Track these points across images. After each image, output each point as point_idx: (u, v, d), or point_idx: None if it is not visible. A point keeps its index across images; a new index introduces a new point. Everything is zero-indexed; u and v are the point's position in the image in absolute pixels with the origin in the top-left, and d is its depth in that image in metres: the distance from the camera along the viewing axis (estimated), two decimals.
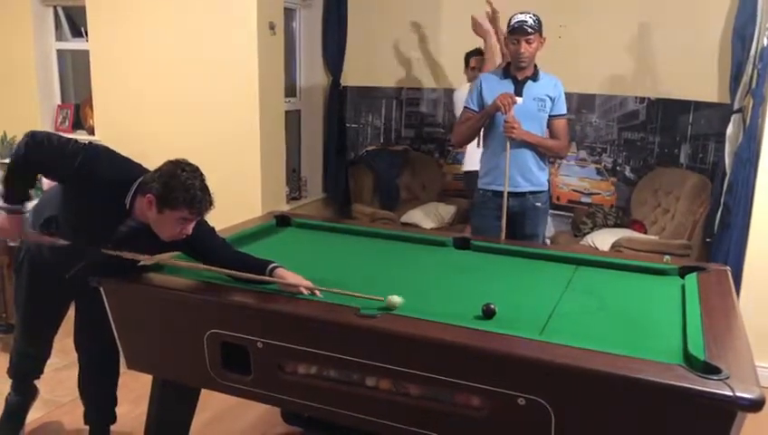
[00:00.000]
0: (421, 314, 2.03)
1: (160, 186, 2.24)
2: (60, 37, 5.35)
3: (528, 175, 3.43)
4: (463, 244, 2.98)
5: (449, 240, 3.01)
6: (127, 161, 2.50)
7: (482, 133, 3.55)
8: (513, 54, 3.33)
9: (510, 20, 3.31)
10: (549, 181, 3.61)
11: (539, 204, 3.49)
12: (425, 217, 5.15)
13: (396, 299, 2.10)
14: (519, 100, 3.32)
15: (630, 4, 5.01)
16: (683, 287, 2.44)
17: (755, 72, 4.02)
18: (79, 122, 5.33)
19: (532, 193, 3.46)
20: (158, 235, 2.32)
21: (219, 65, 4.49)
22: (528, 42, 3.25)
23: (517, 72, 3.39)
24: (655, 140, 5.22)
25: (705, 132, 4.85)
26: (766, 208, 3.48)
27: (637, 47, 5.04)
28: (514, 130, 3.29)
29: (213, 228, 2.57)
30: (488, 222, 3.47)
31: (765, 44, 3.50)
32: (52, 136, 2.37)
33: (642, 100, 5.17)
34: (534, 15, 3.28)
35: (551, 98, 3.42)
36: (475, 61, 4.62)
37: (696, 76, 4.75)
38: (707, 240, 4.33)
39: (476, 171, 4.25)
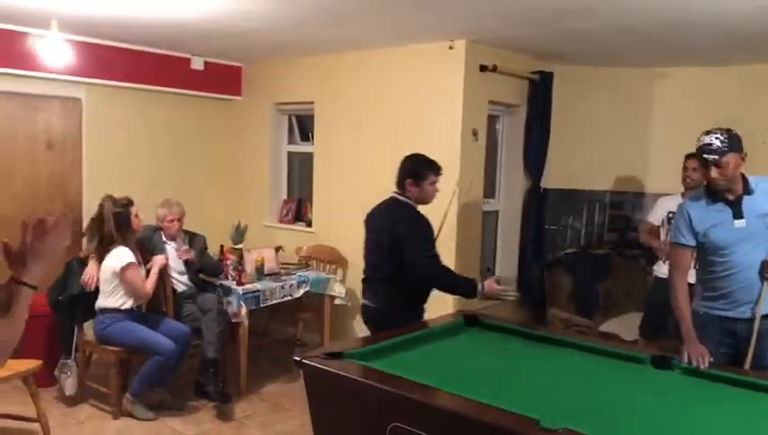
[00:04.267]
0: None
1: None
2: (291, 141, 6.11)
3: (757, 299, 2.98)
4: (662, 362, 2.77)
5: (647, 357, 2.82)
6: None
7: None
8: (707, 180, 2.94)
9: (697, 140, 2.93)
10: None
11: None
12: (625, 327, 4.84)
13: None
14: (740, 223, 2.93)
15: None
16: None
17: None
18: (299, 215, 5.95)
19: (766, 316, 2.99)
20: None
21: None
22: (717, 165, 2.83)
23: (727, 192, 2.95)
24: None
25: None
26: None
27: None
28: None
29: None
30: (710, 347, 2.96)
31: None
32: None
33: None
34: (724, 133, 2.84)
35: None
36: (690, 162, 4.31)
37: None
38: None
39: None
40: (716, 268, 3.03)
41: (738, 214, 2.95)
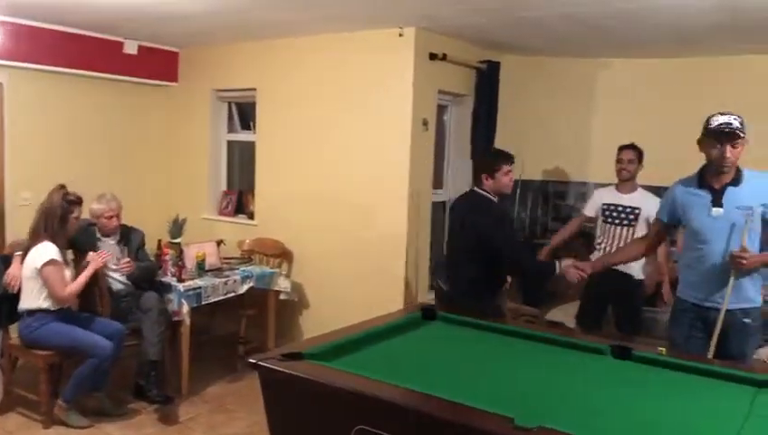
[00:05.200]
0: (577, 430, 1.88)
1: None
2: (231, 129, 5.87)
3: (739, 292, 3.00)
4: (622, 353, 2.77)
5: (606, 348, 2.81)
6: None
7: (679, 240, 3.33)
8: (716, 159, 2.93)
9: (708, 120, 2.95)
10: (762, 297, 3.14)
11: (748, 320, 3.03)
12: (570, 316, 4.88)
13: None
14: (718, 211, 2.96)
15: None
16: None
17: None
18: (241, 207, 5.74)
19: (742, 310, 3.03)
20: None
21: (372, 157, 4.69)
22: (734, 146, 2.88)
23: (714, 179, 3.00)
24: None
25: None
26: None
27: None
28: (744, 263, 2.90)
29: None
30: (685, 332, 3.12)
31: None
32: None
33: None
34: (739, 117, 2.91)
35: (762, 205, 2.96)
36: (626, 154, 4.39)
37: None
38: None
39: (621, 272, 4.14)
40: (693, 255, 3.09)
41: (717, 202, 2.97)
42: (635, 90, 5.35)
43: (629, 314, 4.45)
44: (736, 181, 2.98)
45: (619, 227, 4.36)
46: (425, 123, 4.62)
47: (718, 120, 2.91)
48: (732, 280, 2.95)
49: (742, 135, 2.88)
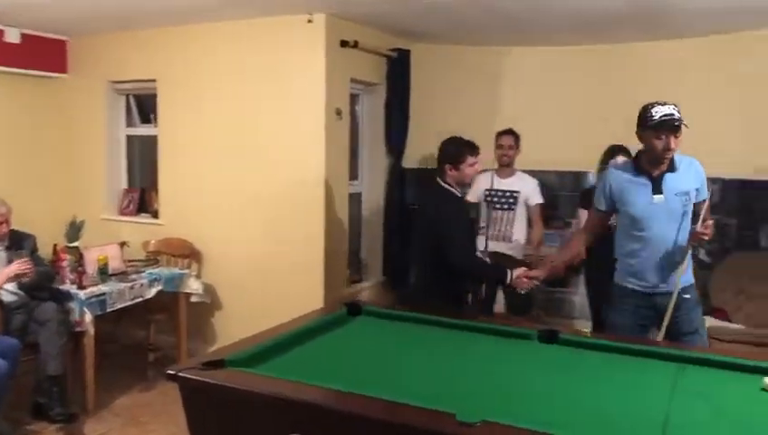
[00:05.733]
0: (519, 422, 1.85)
1: None
2: (129, 123, 5.50)
3: (677, 270, 3.06)
4: (549, 337, 2.78)
5: (533, 333, 2.82)
6: None
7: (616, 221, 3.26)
8: (660, 151, 2.94)
9: (648, 112, 2.95)
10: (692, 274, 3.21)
11: (687, 296, 3.09)
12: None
13: None
14: (659, 198, 3.01)
15: (698, 86, 4.90)
16: None
17: None
18: (144, 206, 5.40)
19: (680, 289, 3.07)
20: None
21: (285, 150, 4.52)
22: (677, 136, 2.92)
23: (653, 168, 3.03)
24: (732, 223, 4.98)
25: None
26: None
27: (708, 129, 4.88)
28: (706, 238, 2.98)
29: None
30: (628, 319, 3.12)
31: None
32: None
33: (715, 180, 4.97)
34: (676, 107, 2.94)
35: (696, 189, 3.06)
36: (505, 139, 4.48)
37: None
38: None
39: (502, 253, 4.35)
40: (633, 243, 3.10)
41: (657, 189, 3.01)
42: (540, 77, 5.45)
43: (518, 294, 4.54)
44: (672, 168, 3.03)
45: (500, 211, 4.50)
46: (338, 113, 4.50)
47: (660, 111, 2.91)
48: (686, 261, 3.00)
49: (685, 126, 2.91)
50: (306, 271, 4.49)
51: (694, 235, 3.00)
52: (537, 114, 5.39)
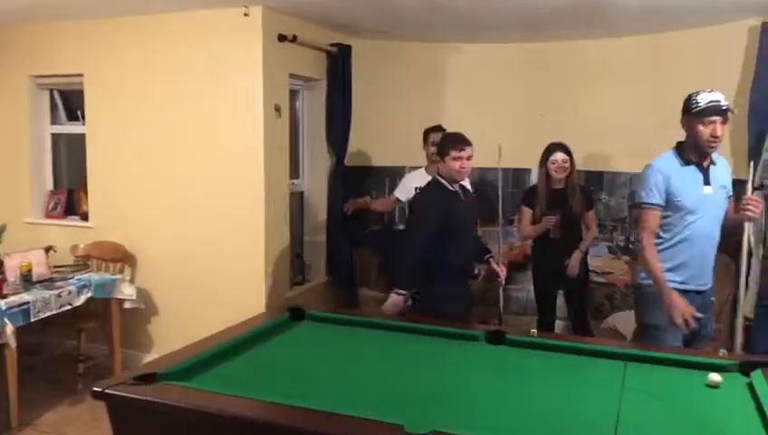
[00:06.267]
0: (471, 431, 1.78)
1: None
2: (55, 120, 5.19)
3: (711, 269, 3.03)
4: (496, 337, 2.73)
5: (481, 334, 2.77)
6: None
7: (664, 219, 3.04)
8: (705, 139, 2.84)
9: (693, 99, 2.89)
10: None
11: (713, 298, 3.04)
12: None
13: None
14: (708, 189, 2.93)
15: (637, 83, 4.99)
16: (750, 386, 2.21)
17: None
18: (72, 208, 5.10)
19: (711, 289, 3.05)
20: None
21: (222, 148, 4.34)
22: (723, 123, 2.83)
23: (700, 158, 2.94)
24: None
25: None
26: None
27: (644, 125, 4.97)
28: (760, 208, 2.92)
29: None
30: (664, 318, 2.94)
31: None
32: None
33: None
34: (721, 93, 2.88)
35: (730, 182, 3.04)
36: (435, 136, 4.35)
37: None
38: (736, 320, 4.13)
39: None
40: (676, 235, 2.97)
41: (707, 180, 2.95)
42: (482, 74, 5.43)
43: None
44: (713, 160, 2.99)
45: None
46: (277, 109, 4.35)
47: (705, 97, 2.83)
48: (748, 228, 3.12)
49: (732, 112, 2.86)
50: (246, 273, 4.33)
51: (743, 203, 2.89)
52: (479, 111, 5.38)
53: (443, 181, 3.46)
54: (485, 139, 5.16)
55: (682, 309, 2.83)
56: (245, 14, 4.16)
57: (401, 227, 5.63)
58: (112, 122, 4.69)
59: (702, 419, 2.01)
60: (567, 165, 4.22)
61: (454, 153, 3.37)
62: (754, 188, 4.02)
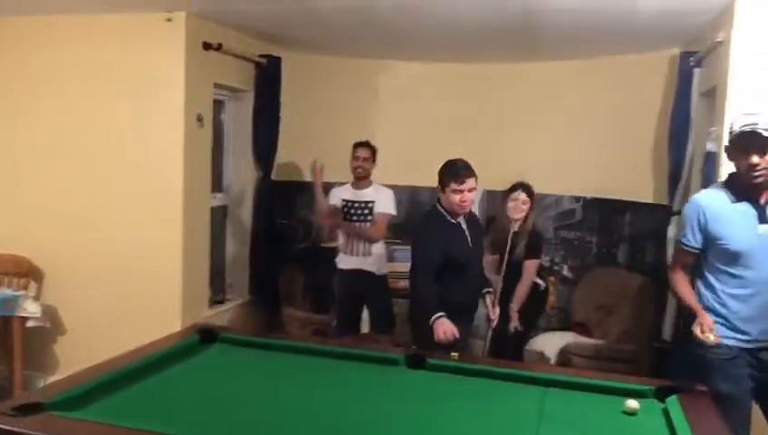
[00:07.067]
0: None
1: None
2: None
3: None
4: (417, 362, 2.65)
5: (401, 358, 2.67)
6: None
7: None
8: (743, 170, 2.45)
9: (732, 124, 2.49)
10: None
11: None
12: (364, 319, 4.77)
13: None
14: (765, 228, 2.47)
15: (565, 106, 5.08)
16: (666, 413, 2.20)
17: (693, 175, 4.06)
18: None
19: None
20: None
21: (139, 158, 4.14)
22: (765, 152, 2.38)
23: (754, 192, 2.49)
24: (592, 240, 5.17)
25: (643, 233, 4.82)
26: None
27: (571, 147, 5.05)
28: None
29: None
30: (743, 385, 2.51)
31: (708, 148, 3.48)
32: None
33: (578, 199, 5.15)
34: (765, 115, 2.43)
35: None
36: (362, 151, 4.36)
37: (631, 177, 4.77)
38: (656, 345, 4.20)
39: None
40: (730, 285, 2.54)
41: (764, 218, 2.48)
42: (415, 92, 5.42)
43: (380, 312, 4.49)
44: None
45: (357, 223, 4.39)
46: (200, 119, 4.18)
47: (741, 120, 2.44)
48: None
49: None
50: (161, 292, 4.11)
51: None
52: (409, 129, 5.36)
53: (443, 211, 3.23)
54: (415, 158, 5.17)
55: (706, 323, 2.46)
56: (168, 20, 4.00)
57: (332, 244, 5.53)
58: (16, 129, 4.40)
59: None
60: (526, 207, 3.98)
61: (454, 185, 3.11)
62: (673, 213, 4.14)
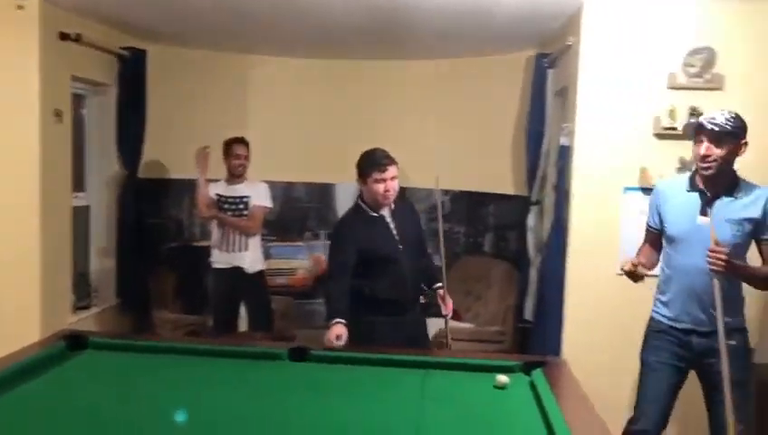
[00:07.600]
0: None
1: None
2: None
3: (713, 308, 2.57)
4: (300, 355, 2.68)
5: (284, 352, 2.69)
6: None
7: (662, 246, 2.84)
8: (696, 158, 2.60)
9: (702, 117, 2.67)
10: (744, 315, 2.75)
11: (733, 342, 2.54)
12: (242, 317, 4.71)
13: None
14: (704, 220, 2.60)
15: (434, 104, 5.30)
16: (532, 385, 2.40)
17: (548, 168, 4.40)
18: None
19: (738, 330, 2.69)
20: None
21: None
22: (719, 146, 2.52)
23: (707, 184, 2.63)
24: (460, 230, 5.44)
25: (505, 222, 5.16)
26: (577, 298, 3.66)
27: (440, 143, 5.28)
28: (721, 263, 2.45)
29: None
30: (662, 357, 2.73)
31: (562, 143, 3.80)
32: None
33: (447, 192, 5.40)
34: (733, 115, 2.54)
35: (753, 221, 2.59)
36: (241, 149, 4.35)
37: (493, 171, 5.08)
38: (519, 325, 4.51)
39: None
40: (668, 269, 2.76)
41: (704, 211, 2.61)
42: (286, 87, 5.42)
43: (258, 309, 4.50)
44: (732, 191, 2.62)
45: (232, 218, 4.36)
46: (57, 114, 3.92)
47: (707, 116, 2.59)
48: (716, 285, 2.47)
49: (721, 132, 2.51)
50: (18, 299, 3.81)
51: (708, 255, 2.48)
52: (282, 124, 5.36)
53: (363, 206, 3.12)
54: (287, 153, 5.17)
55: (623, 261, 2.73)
56: (20, 7, 3.71)
57: (204, 243, 5.39)
58: None
59: (491, 419, 2.12)
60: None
61: (375, 175, 2.99)
62: (532, 203, 4.46)
